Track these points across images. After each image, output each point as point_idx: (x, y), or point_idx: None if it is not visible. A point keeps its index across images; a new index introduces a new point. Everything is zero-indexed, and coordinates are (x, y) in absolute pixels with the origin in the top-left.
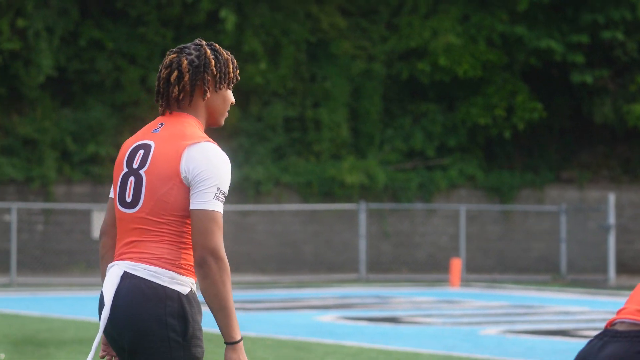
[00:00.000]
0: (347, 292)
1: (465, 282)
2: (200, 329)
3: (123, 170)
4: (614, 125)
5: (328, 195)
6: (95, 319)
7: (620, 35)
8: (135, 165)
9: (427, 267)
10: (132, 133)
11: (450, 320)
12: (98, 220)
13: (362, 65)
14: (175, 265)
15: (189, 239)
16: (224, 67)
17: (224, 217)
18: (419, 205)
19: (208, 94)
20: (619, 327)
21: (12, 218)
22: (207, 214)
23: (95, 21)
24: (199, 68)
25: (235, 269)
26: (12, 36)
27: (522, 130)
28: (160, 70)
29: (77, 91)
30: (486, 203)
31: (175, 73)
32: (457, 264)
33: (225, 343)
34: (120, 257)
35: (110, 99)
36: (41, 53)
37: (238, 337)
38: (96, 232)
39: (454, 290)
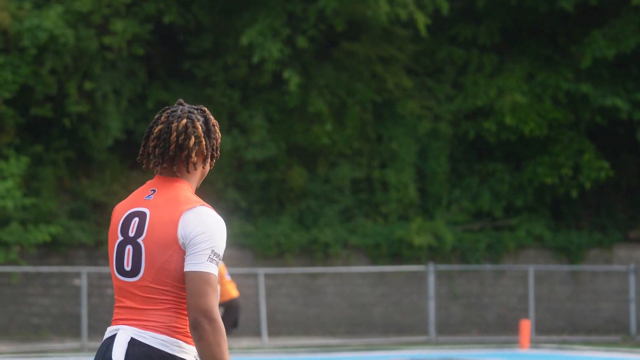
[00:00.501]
0: (416, 355)
1: (535, 344)
2: None
3: (118, 238)
4: None
5: (396, 257)
6: None
7: None
8: (131, 234)
9: (497, 328)
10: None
11: None
12: None
13: (429, 125)
14: (182, 334)
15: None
16: (217, 140)
17: (293, 278)
18: (487, 266)
19: (204, 161)
20: None
21: (83, 282)
22: (201, 276)
23: (162, 83)
24: (209, 135)
25: (305, 332)
26: (79, 99)
27: (589, 189)
28: (164, 132)
29: None
30: (554, 263)
31: (192, 139)
32: (526, 325)
33: None
34: (125, 323)
35: None
36: (109, 115)
37: None
38: None
39: (524, 351)
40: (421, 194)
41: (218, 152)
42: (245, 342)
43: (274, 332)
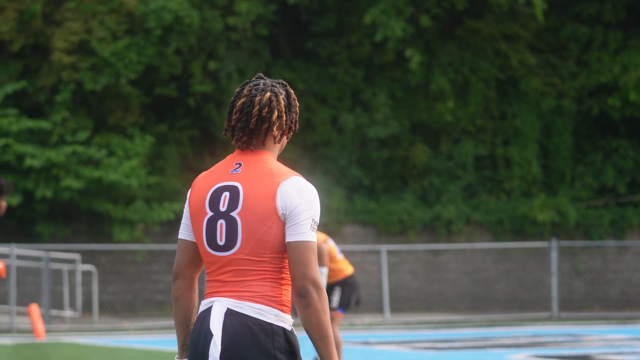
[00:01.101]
0: (539, 331)
1: None
2: None
3: (207, 214)
4: None
5: (519, 233)
6: None
7: None
8: (222, 208)
9: (620, 304)
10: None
11: None
12: None
13: (552, 102)
14: (278, 303)
15: (287, 274)
16: (296, 114)
17: (415, 255)
18: (610, 243)
19: (285, 134)
20: None
21: None
22: (306, 245)
23: (286, 62)
24: (290, 109)
25: (427, 308)
26: (204, 79)
27: None
28: (247, 105)
29: None
30: None
31: (276, 114)
32: None
33: None
34: (220, 295)
35: (301, 139)
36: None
37: None
38: None
39: None
40: (544, 171)
41: (297, 126)
42: (367, 318)
43: (396, 308)
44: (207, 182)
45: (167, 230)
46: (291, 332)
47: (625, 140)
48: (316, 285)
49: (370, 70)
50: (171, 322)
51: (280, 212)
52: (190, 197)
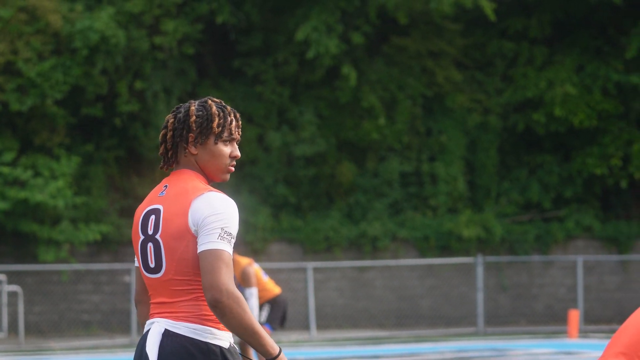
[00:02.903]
0: (465, 346)
1: (583, 333)
2: None
3: (140, 237)
4: None
5: (445, 249)
6: None
7: None
8: (150, 232)
9: (545, 319)
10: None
11: None
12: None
13: (478, 118)
14: (213, 321)
15: None
16: (205, 122)
17: (342, 272)
18: (536, 258)
19: (188, 150)
20: None
21: (132, 279)
22: (212, 253)
23: (213, 81)
24: (180, 124)
25: (353, 324)
26: (130, 98)
27: (639, 180)
28: (162, 135)
29: None
30: (603, 253)
31: (163, 131)
32: (575, 315)
33: None
34: (159, 316)
35: None
36: (159, 114)
37: (276, 352)
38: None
39: (573, 341)
40: (470, 187)
41: (219, 129)
42: (294, 335)
43: (322, 325)
44: (141, 206)
45: (93, 251)
46: (229, 349)
47: (550, 155)
48: (226, 291)
49: (296, 89)
50: (97, 342)
51: (192, 229)
52: (133, 221)
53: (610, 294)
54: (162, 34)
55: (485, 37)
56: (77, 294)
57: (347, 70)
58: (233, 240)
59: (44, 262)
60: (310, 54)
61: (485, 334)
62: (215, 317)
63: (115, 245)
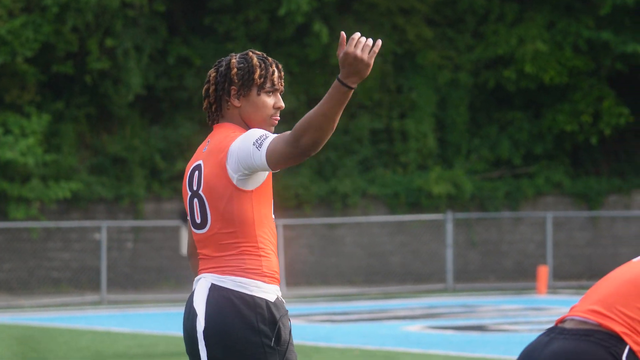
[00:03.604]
0: (434, 302)
1: (552, 289)
2: (291, 335)
3: (188, 193)
4: None
5: (415, 206)
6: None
7: None
8: (195, 188)
9: (514, 275)
10: None
11: (537, 327)
12: (186, 236)
13: (449, 75)
14: (260, 275)
15: (265, 244)
16: (247, 74)
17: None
18: (506, 214)
19: (230, 102)
20: (567, 325)
21: (102, 236)
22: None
23: (183, 38)
24: (221, 78)
25: (323, 281)
26: (101, 56)
27: (609, 136)
28: (205, 89)
29: (166, 109)
30: (573, 210)
31: (206, 86)
32: (544, 272)
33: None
34: (206, 271)
35: (198, 115)
36: (130, 72)
37: (352, 85)
38: (185, 249)
39: (541, 297)
40: (440, 144)
41: (261, 80)
42: None
43: (293, 282)
44: (190, 162)
45: (63, 208)
46: (274, 302)
47: (520, 112)
48: (293, 144)
49: (267, 46)
50: (67, 299)
51: (233, 180)
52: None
53: (580, 250)
54: None
55: None
56: (47, 251)
57: (319, 27)
58: (270, 135)
59: (14, 219)
60: (281, 11)
61: (454, 290)
62: (260, 270)
63: (85, 203)
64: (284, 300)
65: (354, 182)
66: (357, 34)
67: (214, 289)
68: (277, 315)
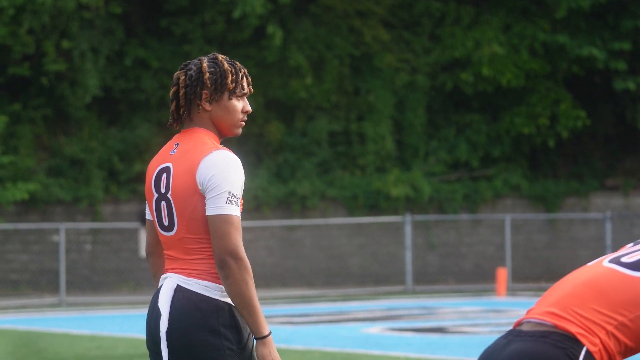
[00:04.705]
0: (393, 304)
1: (511, 291)
2: (252, 339)
3: (154, 195)
4: None
5: (374, 208)
6: (144, 336)
7: None
8: (162, 190)
9: (474, 277)
10: None
11: (497, 329)
12: (145, 238)
13: (406, 77)
14: None
15: None
16: (220, 78)
17: (271, 231)
18: (464, 216)
19: (202, 107)
20: (524, 327)
21: (61, 238)
22: (221, 218)
23: (140, 40)
24: (193, 81)
25: (283, 283)
26: (57, 58)
27: (566, 139)
28: (173, 92)
29: (123, 110)
30: (531, 212)
31: (174, 89)
32: (503, 274)
33: (255, 338)
34: (172, 271)
35: (156, 117)
36: (87, 73)
37: (266, 332)
38: (143, 251)
39: (501, 299)
40: (398, 146)
41: (233, 85)
42: None
43: None
44: (153, 164)
45: (21, 210)
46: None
47: (478, 115)
48: (235, 256)
49: (224, 48)
50: (26, 301)
51: (200, 188)
52: (145, 179)
53: (538, 252)
54: None
55: None
56: (5, 253)
57: (273, 29)
58: (239, 201)
59: None
60: (236, 14)
61: (414, 292)
62: None
63: (43, 205)
64: None
65: (312, 185)
66: None
67: (179, 290)
68: (240, 320)
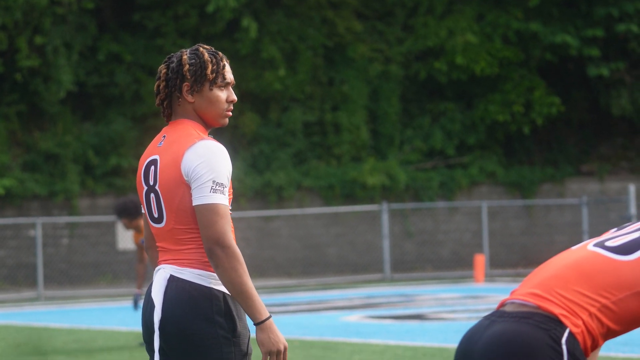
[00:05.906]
0: (372, 292)
1: (489, 278)
2: (247, 327)
3: (144, 188)
4: (632, 116)
5: (350, 198)
6: (122, 328)
7: (634, 28)
8: (151, 182)
9: (451, 264)
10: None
11: (475, 315)
12: (122, 231)
13: (380, 67)
14: None
15: None
16: (199, 69)
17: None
18: (440, 204)
19: (183, 98)
20: (507, 308)
21: (37, 233)
22: (206, 207)
23: (113, 35)
24: (174, 74)
25: (260, 273)
26: (30, 53)
27: (541, 126)
28: (156, 85)
29: (98, 105)
30: (507, 199)
31: (157, 82)
32: (480, 260)
33: (254, 325)
34: (165, 262)
35: (130, 111)
36: (60, 69)
37: (263, 317)
38: (121, 244)
39: (479, 285)
40: (373, 135)
41: (213, 75)
42: None
43: None
44: (143, 157)
45: None
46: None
47: (452, 103)
48: (222, 245)
49: (197, 41)
50: (4, 296)
51: (185, 179)
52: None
53: (515, 239)
54: None
55: None
56: None
57: (247, 22)
58: (227, 189)
59: None
60: (210, 8)
61: (392, 280)
62: None
63: (19, 200)
64: None
65: (288, 175)
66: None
67: (172, 280)
68: (234, 308)
